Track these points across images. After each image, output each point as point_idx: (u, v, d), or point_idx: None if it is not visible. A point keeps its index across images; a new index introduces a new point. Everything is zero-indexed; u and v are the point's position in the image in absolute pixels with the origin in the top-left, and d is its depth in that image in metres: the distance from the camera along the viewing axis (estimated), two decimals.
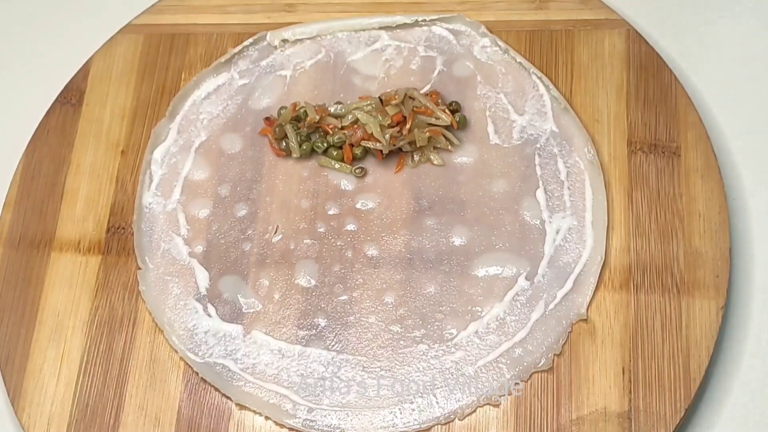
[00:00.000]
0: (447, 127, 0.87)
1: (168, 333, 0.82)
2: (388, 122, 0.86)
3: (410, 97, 0.88)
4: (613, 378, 0.76)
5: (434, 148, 0.87)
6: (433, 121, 0.87)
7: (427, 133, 0.86)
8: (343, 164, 0.87)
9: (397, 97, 0.87)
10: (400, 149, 0.87)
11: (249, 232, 0.86)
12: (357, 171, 0.87)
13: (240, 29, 0.95)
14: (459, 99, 0.89)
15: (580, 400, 0.76)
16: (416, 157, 0.87)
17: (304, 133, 0.88)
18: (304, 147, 0.87)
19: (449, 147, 0.87)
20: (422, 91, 0.89)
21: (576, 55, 0.89)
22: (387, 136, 0.85)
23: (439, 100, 0.88)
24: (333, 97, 0.90)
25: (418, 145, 0.86)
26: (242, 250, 0.85)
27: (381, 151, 0.86)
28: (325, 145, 0.88)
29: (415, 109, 0.87)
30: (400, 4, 0.94)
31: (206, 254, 0.85)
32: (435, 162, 0.87)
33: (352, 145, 0.87)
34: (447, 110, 0.87)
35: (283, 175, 0.88)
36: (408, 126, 0.86)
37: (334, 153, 0.87)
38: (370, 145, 0.86)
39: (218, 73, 0.93)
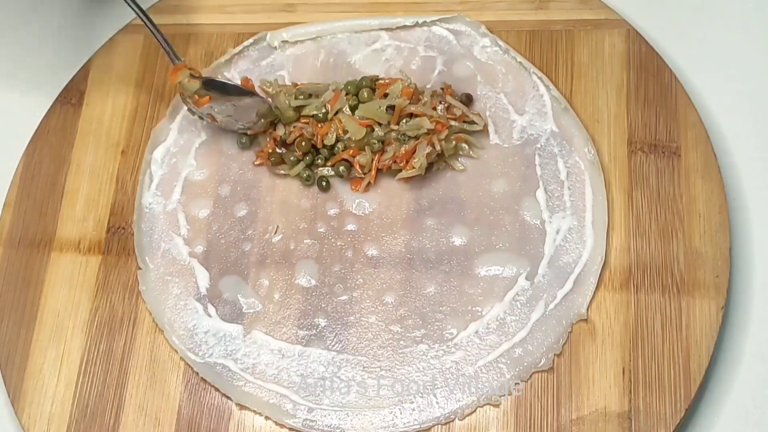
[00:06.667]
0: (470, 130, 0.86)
1: (168, 333, 0.82)
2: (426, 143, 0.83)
3: (440, 97, 0.85)
4: (613, 378, 0.76)
5: (458, 154, 0.85)
6: (465, 127, 0.85)
7: (454, 142, 0.84)
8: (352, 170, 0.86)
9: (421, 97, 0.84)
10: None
11: (249, 232, 0.86)
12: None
13: (240, 29, 0.95)
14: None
15: (580, 400, 0.76)
16: (434, 167, 0.85)
17: (299, 153, 0.86)
18: (306, 176, 0.86)
19: (471, 153, 0.86)
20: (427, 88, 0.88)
21: (576, 55, 0.89)
22: (423, 158, 0.83)
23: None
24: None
25: (446, 155, 0.85)
26: (242, 250, 0.85)
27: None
28: (324, 161, 0.86)
29: (449, 116, 0.85)
30: (400, 4, 0.94)
31: (206, 254, 0.85)
32: (459, 168, 0.85)
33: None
34: (480, 114, 0.86)
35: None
36: (443, 136, 0.83)
37: (341, 169, 0.85)
38: (406, 174, 0.83)
39: (218, 73, 0.93)
